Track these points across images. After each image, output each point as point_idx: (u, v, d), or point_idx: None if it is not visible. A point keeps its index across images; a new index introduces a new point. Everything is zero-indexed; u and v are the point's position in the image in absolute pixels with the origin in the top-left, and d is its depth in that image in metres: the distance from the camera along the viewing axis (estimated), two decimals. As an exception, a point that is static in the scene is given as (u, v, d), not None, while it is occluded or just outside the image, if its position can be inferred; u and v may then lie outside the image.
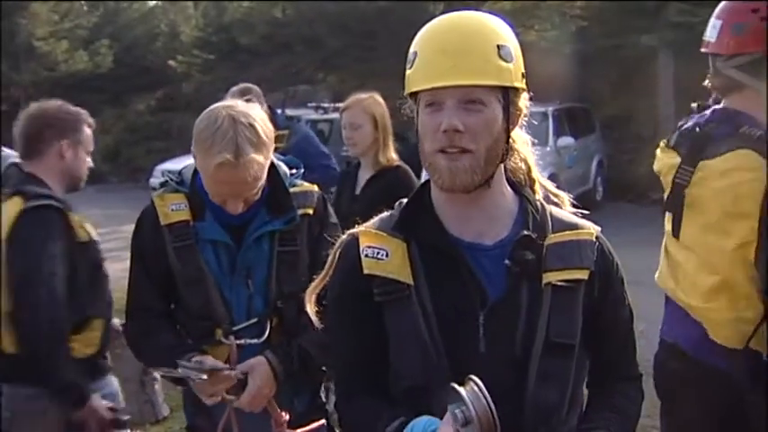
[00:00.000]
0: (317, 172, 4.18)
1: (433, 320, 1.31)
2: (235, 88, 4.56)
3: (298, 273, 1.96)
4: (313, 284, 1.48)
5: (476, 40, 1.30)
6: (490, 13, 1.40)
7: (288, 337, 1.98)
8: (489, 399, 1.17)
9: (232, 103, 1.94)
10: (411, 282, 1.33)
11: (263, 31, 18.01)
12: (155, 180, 12.66)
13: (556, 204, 1.45)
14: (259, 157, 1.86)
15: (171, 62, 19.23)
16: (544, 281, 1.33)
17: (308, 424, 2.05)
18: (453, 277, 1.33)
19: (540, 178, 1.47)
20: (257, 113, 1.92)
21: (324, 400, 2.22)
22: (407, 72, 1.34)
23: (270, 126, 1.94)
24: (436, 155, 1.30)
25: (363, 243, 1.37)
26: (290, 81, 17.48)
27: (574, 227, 1.40)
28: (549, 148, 10.77)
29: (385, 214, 1.44)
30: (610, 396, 1.43)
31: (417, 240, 1.35)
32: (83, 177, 2.68)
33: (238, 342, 1.96)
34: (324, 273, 1.45)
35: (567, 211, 1.45)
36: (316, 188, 2.11)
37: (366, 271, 1.35)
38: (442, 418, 1.25)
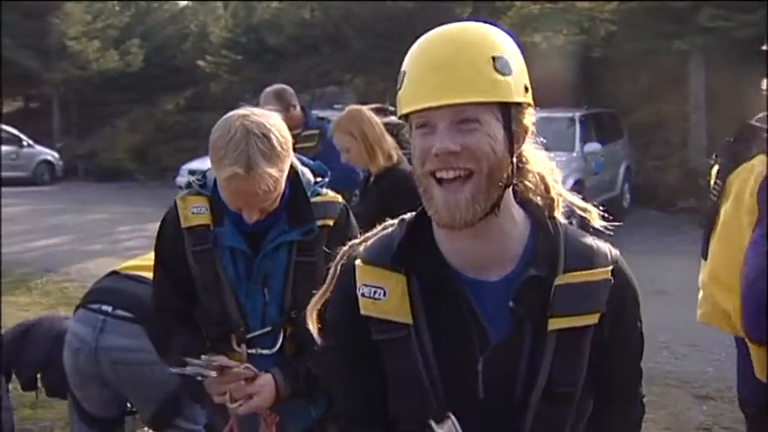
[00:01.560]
0: (339, 174, 4.20)
1: (432, 363, 1.23)
2: (269, 89, 4.60)
3: (314, 283, 1.93)
4: (313, 301, 1.41)
5: (467, 52, 1.17)
6: (487, 24, 1.27)
7: (299, 349, 1.98)
8: None
9: (247, 111, 1.85)
10: (410, 321, 1.24)
11: (291, 32, 18.11)
12: (181, 179, 12.77)
13: (583, 219, 1.34)
14: (272, 170, 1.80)
15: (200, 62, 19.41)
16: (550, 326, 1.21)
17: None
18: (454, 317, 1.23)
19: (565, 194, 1.33)
20: (273, 122, 1.85)
21: None
22: (398, 93, 1.23)
23: (287, 135, 1.87)
24: (429, 179, 1.18)
25: (360, 280, 1.27)
26: (318, 82, 17.56)
27: (589, 262, 1.25)
28: (575, 154, 10.68)
29: (385, 233, 1.32)
30: (607, 416, 1.35)
31: (417, 274, 1.25)
32: None
33: (250, 351, 1.95)
34: (324, 289, 1.38)
35: (586, 235, 1.30)
36: (339, 198, 2.06)
37: (363, 312, 1.26)
38: None
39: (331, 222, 1.98)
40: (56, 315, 3.64)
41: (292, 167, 1.96)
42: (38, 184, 18.05)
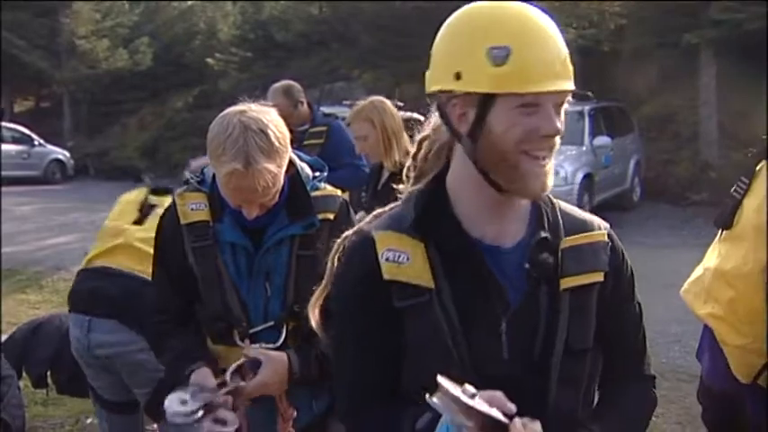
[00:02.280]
0: (345, 171, 4.19)
1: (456, 324, 1.27)
2: (277, 85, 4.59)
3: (316, 277, 1.92)
4: (315, 295, 1.43)
5: (562, 42, 1.26)
6: None
7: (306, 341, 1.96)
8: (463, 398, 1.12)
9: (245, 107, 1.85)
10: (432, 286, 1.27)
11: (300, 29, 18.10)
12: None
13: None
14: (271, 166, 1.80)
15: (209, 60, 19.44)
16: (562, 286, 1.30)
17: (326, 427, 2.01)
18: (474, 281, 1.28)
19: None
20: (271, 118, 1.85)
21: None
22: (491, 68, 1.20)
23: (285, 131, 1.87)
24: (522, 156, 1.23)
25: (382, 246, 1.30)
26: (326, 78, 17.54)
27: (586, 227, 1.36)
28: (584, 148, 10.64)
29: (393, 212, 1.37)
30: (618, 396, 1.39)
31: (435, 241, 1.29)
32: None
33: (254, 347, 1.93)
34: (324, 283, 1.40)
35: (575, 208, 1.41)
36: (339, 192, 2.06)
37: (387, 276, 1.28)
38: None
39: (331, 216, 1.98)
40: (64, 313, 3.66)
41: (291, 162, 1.95)
42: (49, 182, 18.16)
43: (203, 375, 1.85)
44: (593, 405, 1.39)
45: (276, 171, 1.83)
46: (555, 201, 1.38)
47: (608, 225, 1.40)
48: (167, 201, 2.79)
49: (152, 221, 2.77)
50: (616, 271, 1.36)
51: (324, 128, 4.50)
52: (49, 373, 3.35)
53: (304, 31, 17.91)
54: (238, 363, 1.88)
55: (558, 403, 1.28)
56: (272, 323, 1.95)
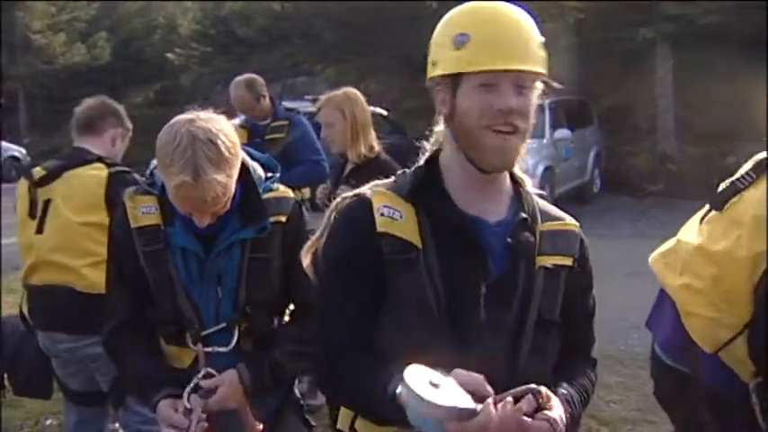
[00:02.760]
0: (304, 167, 4.20)
1: (438, 283, 1.37)
2: (239, 78, 4.57)
3: (268, 280, 1.93)
4: (309, 243, 1.53)
5: (527, 30, 1.39)
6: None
7: (258, 344, 1.97)
8: (425, 395, 1.17)
9: (193, 116, 1.81)
10: (420, 246, 1.38)
11: (262, 24, 17.96)
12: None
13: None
14: (220, 176, 1.76)
15: (169, 55, 19.19)
16: (538, 263, 1.43)
17: (282, 420, 2.02)
18: (460, 248, 1.39)
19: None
20: (220, 127, 1.81)
21: (299, 395, 2.19)
22: (454, 53, 1.38)
23: (235, 139, 1.84)
24: (484, 131, 1.36)
25: (378, 202, 1.42)
26: (288, 73, 17.46)
27: (560, 218, 1.51)
28: (545, 141, 10.76)
29: (386, 181, 1.49)
30: (572, 371, 1.50)
31: (426, 209, 1.41)
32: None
33: (207, 350, 1.93)
34: (319, 233, 1.50)
35: (548, 204, 1.54)
36: (291, 193, 2.05)
37: (381, 229, 1.39)
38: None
39: (284, 218, 1.97)
40: (11, 315, 3.60)
41: (243, 165, 1.92)
42: (5, 180, 17.75)
43: (168, 413, 1.83)
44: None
45: (226, 181, 1.79)
46: (534, 195, 1.52)
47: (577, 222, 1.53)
48: (59, 194, 2.78)
49: (53, 224, 2.78)
50: (582, 261, 1.51)
51: (285, 122, 4.50)
52: (5, 375, 3.29)
53: (266, 27, 17.78)
54: (193, 383, 1.88)
55: (526, 370, 1.38)
56: (223, 325, 1.94)
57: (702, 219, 2.08)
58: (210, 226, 1.89)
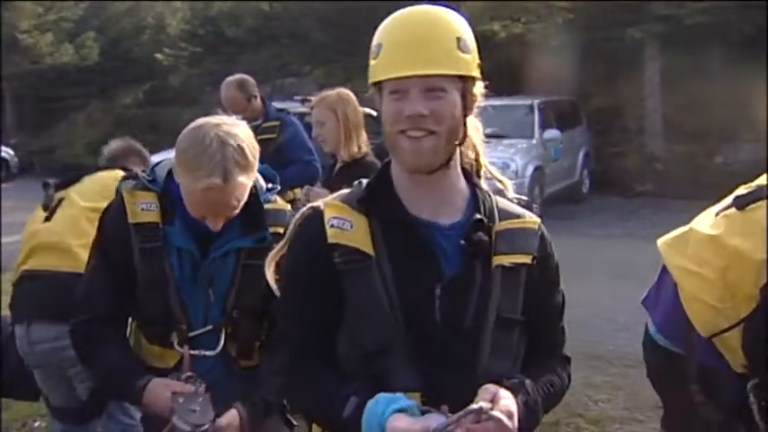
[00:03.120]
0: (296, 167, 4.20)
1: (392, 289, 1.39)
2: (231, 78, 4.57)
3: (260, 288, 1.90)
4: (272, 253, 1.57)
5: (438, 32, 1.39)
6: (451, 8, 1.46)
7: (243, 349, 1.98)
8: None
9: (219, 120, 1.86)
10: (373, 253, 1.41)
11: (251, 24, 17.91)
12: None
13: (500, 190, 1.56)
14: (245, 180, 1.84)
15: (158, 55, 19.10)
16: (494, 263, 1.44)
17: (262, 421, 2.02)
18: (412, 252, 1.41)
19: (487, 164, 1.57)
20: (243, 132, 1.87)
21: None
22: (372, 63, 1.42)
23: (256, 145, 1.90)
24: (398, 135, 1.39)
25: (329, 214, 1.44)
26: (277, 74, 17.41)
27: (519, 216, 1.52)
28: (534, 141, 10.80)
29: (345, 192, 1.51)
30: (540, 369, 1.51)
31: (378, 217, 1.43)
32: None
33: (193, 352, 1.92)
34: (283, 243, 1.53)
35: (510, 201, 1.56)
36: (288, 207, 2.08)
37: (331, 240, 1.41)
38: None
39: (281, 230, 1.96)
40: (5, 315, 3.58)
41: None
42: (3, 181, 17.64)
43: (163, 386, 1.84)
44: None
45: (248, 184, 1.86)
46: (493, 195, 1.53)
47: (539, 220, 1.54)
48: (74, 190, 2.81)
49: (61, 214, 2.82)
50: (544, 258, 1.51)
51: (277, 122, 4.50)
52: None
53: (255, 27, 17.73)
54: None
55: (488, 370, 1.39)
56: (210, 327, 1.94)
57: (719, 213, 2.11)
58: (208, 228, 1.90)
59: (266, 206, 2.00)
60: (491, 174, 1.57)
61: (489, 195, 1.51)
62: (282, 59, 17.25)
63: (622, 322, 5.64)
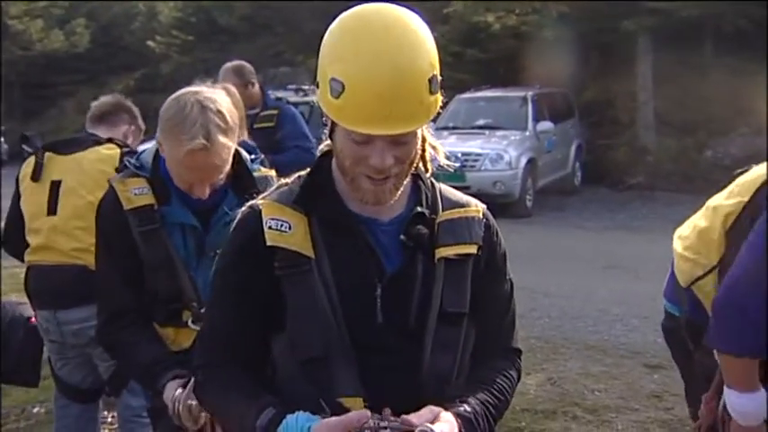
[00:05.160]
0: (291, 153, 4.20)
1: (333, 292, 1.34)
2: (229, 64, 4.54)
3: None
4: (221, 251, 1.51)
5: (410, 83, 1.25)
6: (408, 10, 1.31)
7: None
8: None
9: (198, 89, 1.92)
10: (313, 255, 1.35)
11: (243, 12, 17.83)
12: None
13: (433, 157, 1.47)
14: (228, 142, 1.88)
15: (149, 42, 18.98)
16: (437, 256, 1.39)
17: None
18: (352, 251, 1.37)
19: (429, 145, 1.43)
20: (222, 98, 1.92)
21: None
22: (331, 99, 1.27)
23: (234, 111, 1.94)
24: (358, 175, 1.32)
25: (267, 215, 1.38)
26: (271, 63, 17.34)
27: (463, 205, 1.45)
28: (528, 133, 10.83)
29: (283, 188, 1.44)
30: (486, 369, 1.46)
31: (317, 215, 1.38)
32: None
33: None
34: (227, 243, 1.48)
35: (456, 191, 1.50)
36: (273, 173, 2.10)
37: (269, 243, 1.35)
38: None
39: None
40: (8, 300, 3.57)
41: None
42: (-2, 166, 17.49)
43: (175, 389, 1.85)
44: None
45: (231, 147, 1.90)
46: (437, 184, 1.47)
47: (485, 207, 1.48)
48: (72, 176, 2.78)
49: (66, 206, 2.76)
50: (490, 246, 1.45)
51: (275, 111, 4.49)
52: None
53: (247, 15, 17.65)
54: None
55: (432, 368, 1.35)
56: None
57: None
58: (205, 200, 1.93)
59: (254, 174, 2.05)
60: (431, 146, 1.45)
61: (433, 186, 1.45)
62: (275, 49, 17.18)
63: (616, 313, 5.69)
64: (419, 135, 1.33)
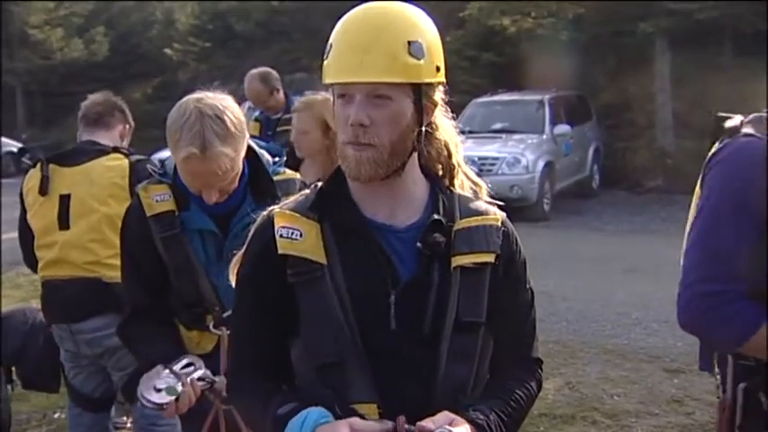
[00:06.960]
0: None
1: (346, 299, 1.34)
2: (254, 71, 4.61)
3: None
4: (234, 259, 1.53)
5: (385, 37, 1.31)
6: (410, 4, 1.38)
7: None
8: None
9: (201, 95, 1.92)
10: (325, 261, 1.36)
11: (260, 19, 17.93)
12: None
13: (475, 192, 1.48)
14: (227, 150, 1.86)
15: (167, 50, 19.15)
16: (453, 264, 1.37)
17: None
18: (366, 257, 1.36)
19: (462, 165, 1.48)
20: (227, 104, 1.91)
21: None
22: (324, 63, 1.37)
23: (241, 117, 1.93)
24: (346, 146, 1.34)
25: (278, 223, 1.39)
26: (287, 69, 17.41)
27: (481, 213, 1.44)
28: (545, 136, 10.79)
29: (301, 196, 1.46)
30: (504, 379, 1.45)
31: (331, 221, 1.39)
32: None
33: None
34: (244, 249, 1.49)
35: (478, 199, 1.48)
36: (298, 176, 2.14)
37: (281, 251, 1.37)
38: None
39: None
40: (29, 307, 3.62)
41: (250, 148, 2.01)
42: (3, 176, 17.71)
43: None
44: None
45: (233, 155, 1.88)
46: (457, 191, 1.46)
47: (504, 215, 1.46)
48: (83, 188, 2.75)
49: (79, 221, 2.72)
50: (508, 255, 1.43)
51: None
52: (13, 368, 3.32)
53: (264, 21, 17.74)
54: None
55: (447, 377, 1.34)
56: None
57: None
58: (222, 205, 1.95)
59: (276, 177, 2.05)
60: (466, 176, 1.49)
61: (451, 194, 1.44)
62: (292, 55, 17.25)
63: (636, 317, 5.65)
64: (408, 115, 1.34)
